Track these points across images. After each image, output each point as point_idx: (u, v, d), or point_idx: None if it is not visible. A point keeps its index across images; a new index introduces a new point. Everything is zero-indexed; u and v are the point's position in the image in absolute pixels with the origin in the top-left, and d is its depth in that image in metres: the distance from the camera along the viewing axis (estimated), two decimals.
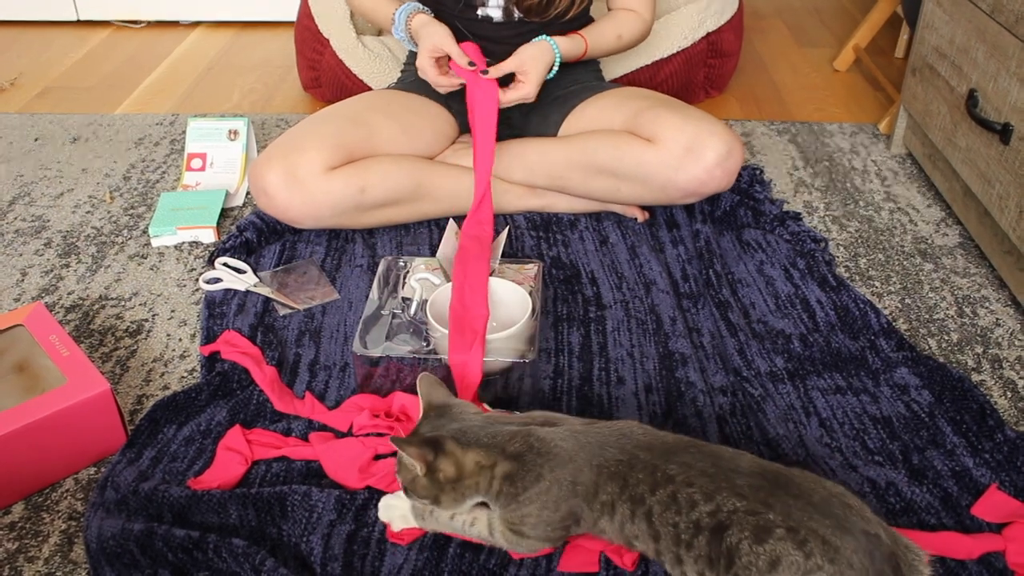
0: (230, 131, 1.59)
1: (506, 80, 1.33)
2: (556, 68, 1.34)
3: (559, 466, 0.80)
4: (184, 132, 1.79)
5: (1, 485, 0.95)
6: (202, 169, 1.57)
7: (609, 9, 1.46)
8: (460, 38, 1.38)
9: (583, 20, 1.44)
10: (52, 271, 1.36)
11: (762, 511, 0.73)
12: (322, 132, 1.29)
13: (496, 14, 1.37)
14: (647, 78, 1.84)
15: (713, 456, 0.79)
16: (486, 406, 1.05)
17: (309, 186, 1.25)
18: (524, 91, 1.30)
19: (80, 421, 0.97)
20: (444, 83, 1.32)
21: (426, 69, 1.32)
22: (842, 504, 0.74)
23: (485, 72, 1.29)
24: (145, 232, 1.46)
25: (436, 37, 1.30)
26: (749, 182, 1.51)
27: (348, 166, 1.29)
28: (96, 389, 0.98)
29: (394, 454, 1.00)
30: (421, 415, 0.88)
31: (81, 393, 0.97)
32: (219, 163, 1.58)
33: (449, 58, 1.31)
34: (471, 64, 1.30)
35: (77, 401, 0.96)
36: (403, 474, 0.85)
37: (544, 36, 1.32)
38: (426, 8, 1.36)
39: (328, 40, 1.84)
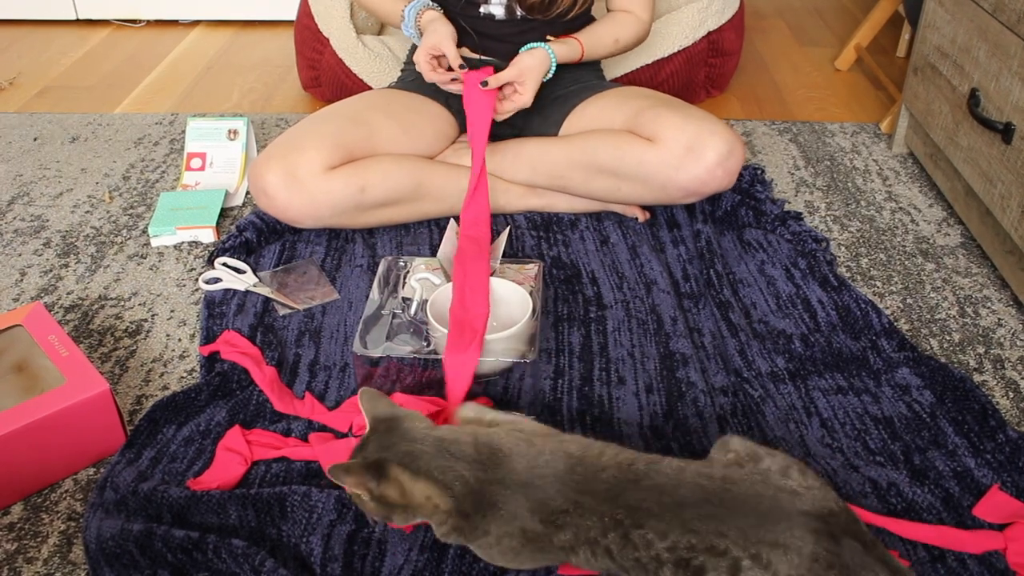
0: (229, 131, 1.59)
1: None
2: (551, 73, 1.35)
3: (505, 523, 0.79)
4: (183, 132, 1.78)
5: (0, 485, 0.94)
6: (201, 169, 1.57)
7: (608, 10, 1.46)
8: (463, 35, 1.38)
9: (585, 19, 1.44)
10: (51, 271, 1.36)
11: (719, 545, 0.74)
12: (322, 132, 1.28)
13: (498, 12, 1.37)
14: (648, 77, 1.83)
15: (656, 491, 0.78)
16: (484, 399, 1.05)
17: (309, 186, 1.25)
18: (521, 100, 1.31)
19: (79, 421, 0.97)
20: (437, 79, 1.32)
21: (421, 63, 1.32)
22: (790, 496, 0.77)
23: (485, 84, 1.29)
24: (144, 232, 1.46)
25: (437, 36, 1.30)
26: (750, 182, 1.51)
27: (348, 166, 1.28)
28: (95, 389, 0.98)
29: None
30: (368, 431, 0.84)
31: (80, 393, 0.97)
32: (219, 163, 1.57)
33: (460, 66, 1.31)
34: (462, 66, 1.30)
35: (76, 401, 0.96)
36: (350, 491, 0.82)
37: (541, 44, 1.33)
38: (435, 5, 1.37)
39: (328, 39, 1.83)
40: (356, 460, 0.81)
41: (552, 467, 0.81)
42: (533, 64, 1.30)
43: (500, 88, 1.33)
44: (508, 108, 1.32)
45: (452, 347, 1.05)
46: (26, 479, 0.96)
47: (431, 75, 1.32)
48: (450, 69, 1.32)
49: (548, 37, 1.36)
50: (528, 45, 1.33)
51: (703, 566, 0.74)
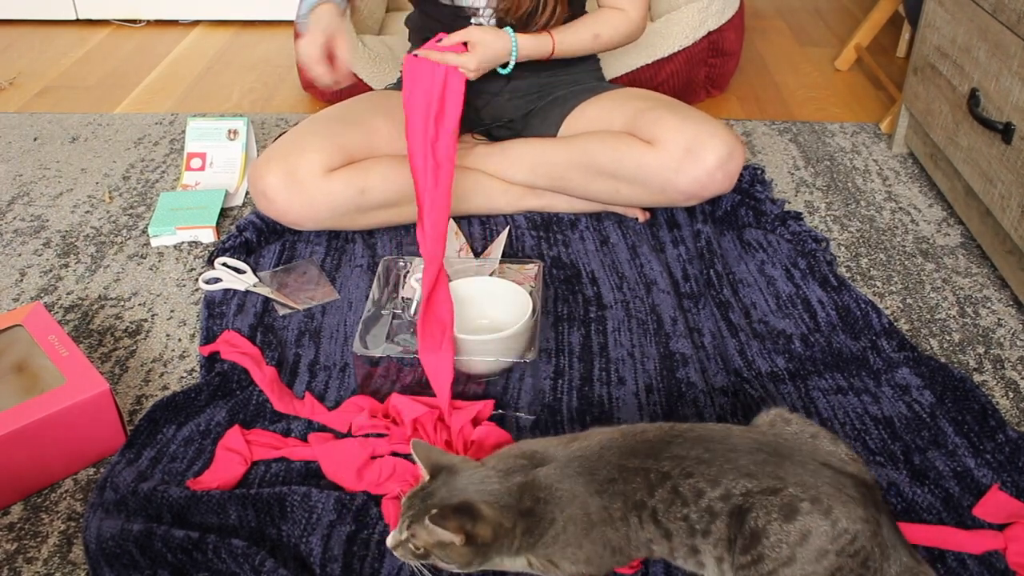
0: (229, 131, 1.59)
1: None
2: (512, 64, 1.27)
3: (567, 505, 0.79)
4: (183, 132, 1.78)
5: (0, 485, 0.94)
6: (201, 169, 1.57)
7: (600, 6, 1.43)
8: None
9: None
10: (51, 271, 1.36)
11: (779, 487, 0.74)
12: (322, 133, 1.28)
13: (489, 24, 1.34)
14: (648, 77, 1.83)
15: (703, 440, 0.79)
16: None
17: (309, 188, 1.25)
18: (463, 59, 1.19)
19: (79, 421, 0.97)
20: (327, 81, 1.19)
21: (312, 54, 1.17)
22: (840, 461, 0.78)
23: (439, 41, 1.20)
24: (144, 232, 1.46)
25: (332, 27, 1.18)
26: (750, 182, 1.51)
27: (348, 167, 1.28)
28: (95, 389, 0.97)
29: (392, 455, 1.00)
30: (427, 478, 0.82)
31: (80, 393, 0.97)
32: (218, 163, 1.57)
33: (436, 37, 1.20)
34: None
35: (76, 401, 0.96)
36: (422, 542, 0.78)
37: (507, 28, 1.26)
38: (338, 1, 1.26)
39: None
40: (445, 505, 0.78)
41: (589, 446, 0.83)
42: (489, 38, 1.21)
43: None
44: (451, 58, 1.18)
45: (425, 346, 1.04)
46: (26, 479, 0.96)
47: (324, 77, 1.18)
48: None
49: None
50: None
51: (753, 507, 0.74)
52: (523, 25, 1.32)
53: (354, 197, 1.28)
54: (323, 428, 1.04)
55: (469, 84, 1.29)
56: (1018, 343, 1.20)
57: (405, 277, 1.24)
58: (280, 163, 1.25)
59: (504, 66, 1.29)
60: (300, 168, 1.24)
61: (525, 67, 1.33)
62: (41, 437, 0.95)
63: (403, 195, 1.33)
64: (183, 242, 1.42)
